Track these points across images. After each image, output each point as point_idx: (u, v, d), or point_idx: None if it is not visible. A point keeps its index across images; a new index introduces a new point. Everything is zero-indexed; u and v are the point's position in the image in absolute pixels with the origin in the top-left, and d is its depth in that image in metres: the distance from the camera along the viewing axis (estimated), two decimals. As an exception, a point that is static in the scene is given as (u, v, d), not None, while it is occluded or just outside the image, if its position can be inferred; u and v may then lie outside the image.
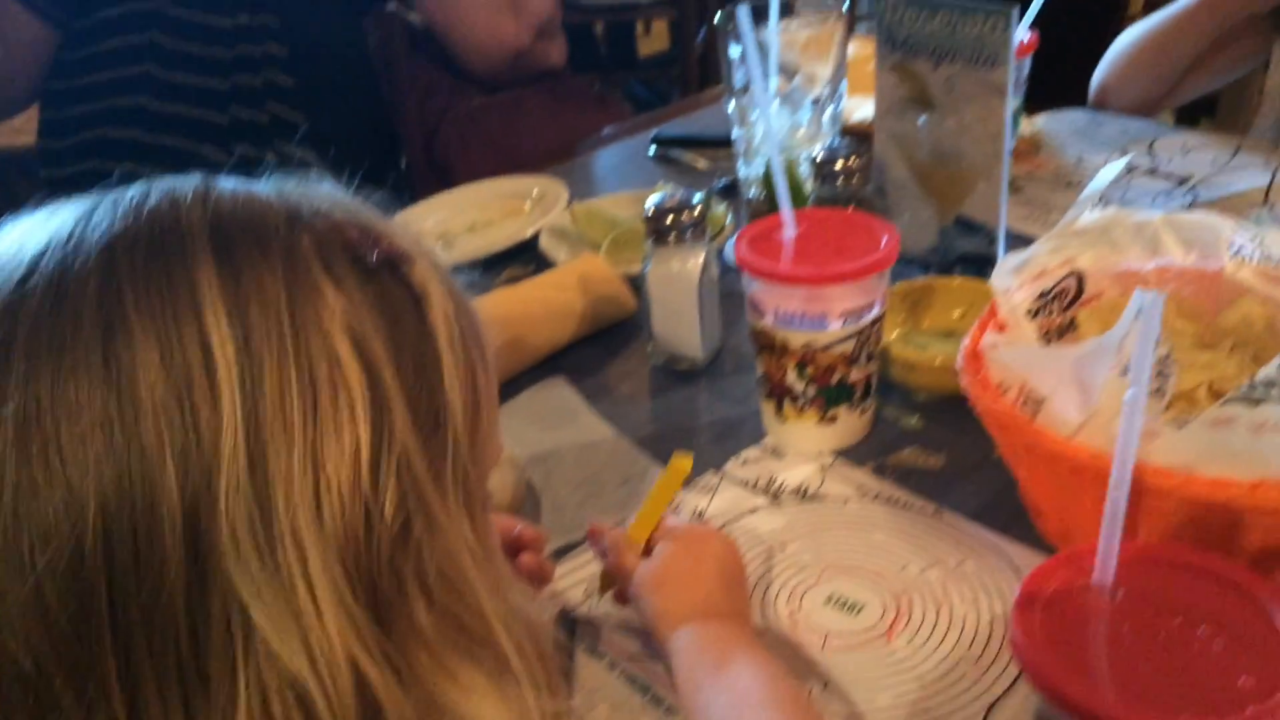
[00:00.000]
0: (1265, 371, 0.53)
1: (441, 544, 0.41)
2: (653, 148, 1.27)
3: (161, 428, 0.36)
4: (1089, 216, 0.74)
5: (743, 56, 0.98)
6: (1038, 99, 1.71)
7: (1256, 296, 0.70)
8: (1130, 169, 1.11)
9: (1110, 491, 0.46)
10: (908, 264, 0.96)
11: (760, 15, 1.00)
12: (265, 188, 0.44)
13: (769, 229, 0.75)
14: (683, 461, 0.60)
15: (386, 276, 0.42)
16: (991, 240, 0.89)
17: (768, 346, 0.74)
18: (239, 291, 0.39)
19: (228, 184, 0.43)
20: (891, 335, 0.84)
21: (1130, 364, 0.47)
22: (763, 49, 0.99)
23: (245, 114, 1.23)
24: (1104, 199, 1.06)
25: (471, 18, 1.31)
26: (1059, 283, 0.72)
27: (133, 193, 0.42)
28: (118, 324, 0.37)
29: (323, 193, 0.45)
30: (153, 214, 0.40)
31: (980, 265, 0.90)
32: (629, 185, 1.18)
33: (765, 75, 0.73)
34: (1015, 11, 0.80)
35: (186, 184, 0.42)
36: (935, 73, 0.87)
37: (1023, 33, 1.05)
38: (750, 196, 1.03)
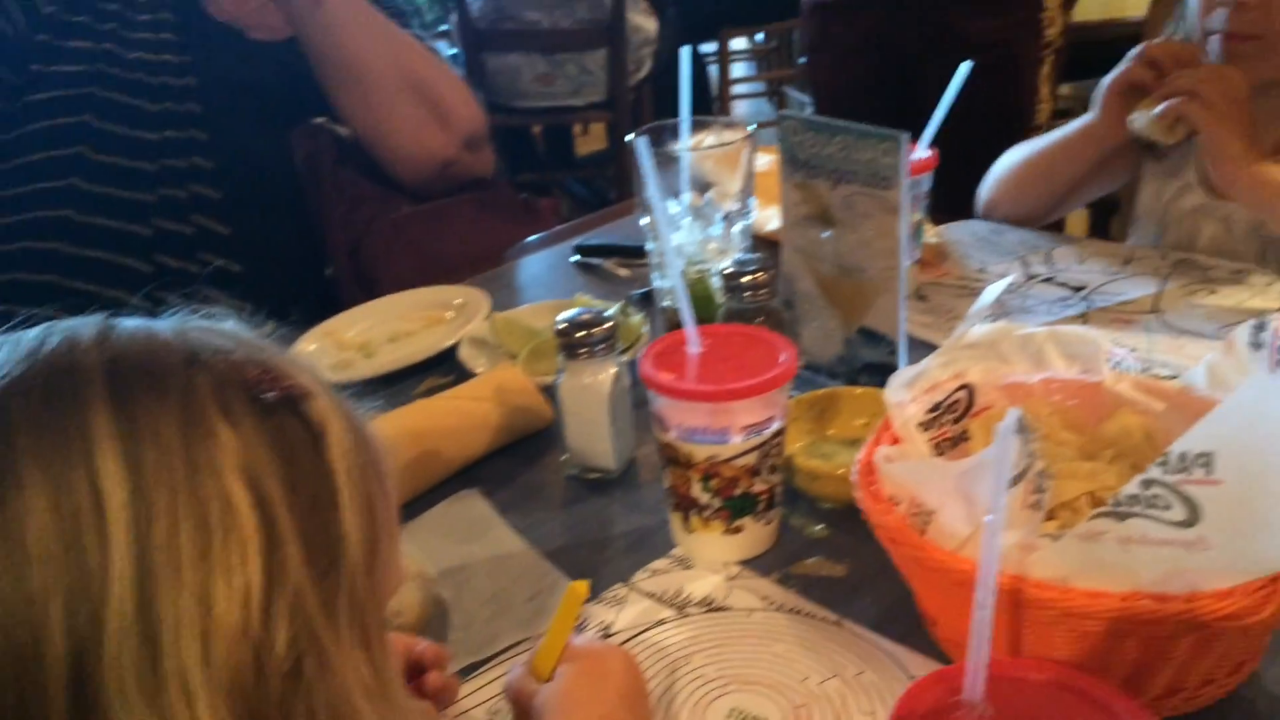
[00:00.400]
0: (1129, 488, 0.56)
1: (334, 682, 0.42)
2: (575, 256, 1.30)
3: (48, 574, 0.37)
4: (978, 330, 0.77)
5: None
6: (950, 207, 1.78)
7: (1134, 408, 0.73)
8: (1030, 277, 1.16)
9: (975, 610, 0.48)
10: (816, 372, 0.99)
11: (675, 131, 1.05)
12: (166, 326, 0.45)
13: (674, 345, 0.78)
14: (579, 588, 0.61)
15: (285, 414, 0.43)
16: (892, 350, 0.93)
17: (673, 460, 0.76)
18: (133, 434, 0.40)
19: (129, 324, 0.44)
20: (797, 445, 0.86)
21: (989, 490, 0.49)
22: (676, 163, 1.03)
23: (170, 226, 1.24)
24: (1004, 307, 1.11)
25: (399, 130, 1.34)
26: (950, 395, 0.75)
27: (33, 335, 0.43)
28: (9, 471, 0.38)
29: (225, 330, 0.46)
30: (50, 357, 0.42)
31: (884, 374, 0.92)
32: (552, 294, 1.21)
33: (664, 202, 0.76)
34: (905, 137, 0.84)
35: (86, 325, 0.43)
36: (834, 192, 0.91)
37: (921, 152, 1.10)
38: (665, 306, 1.06)
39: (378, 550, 0.45)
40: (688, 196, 1.03)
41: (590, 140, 4.26)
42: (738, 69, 4.96)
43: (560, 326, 0.86)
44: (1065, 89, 3.14)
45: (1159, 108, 1.10)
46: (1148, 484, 0.55)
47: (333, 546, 0.43)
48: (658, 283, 1.05)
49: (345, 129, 1.35)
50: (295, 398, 0.44)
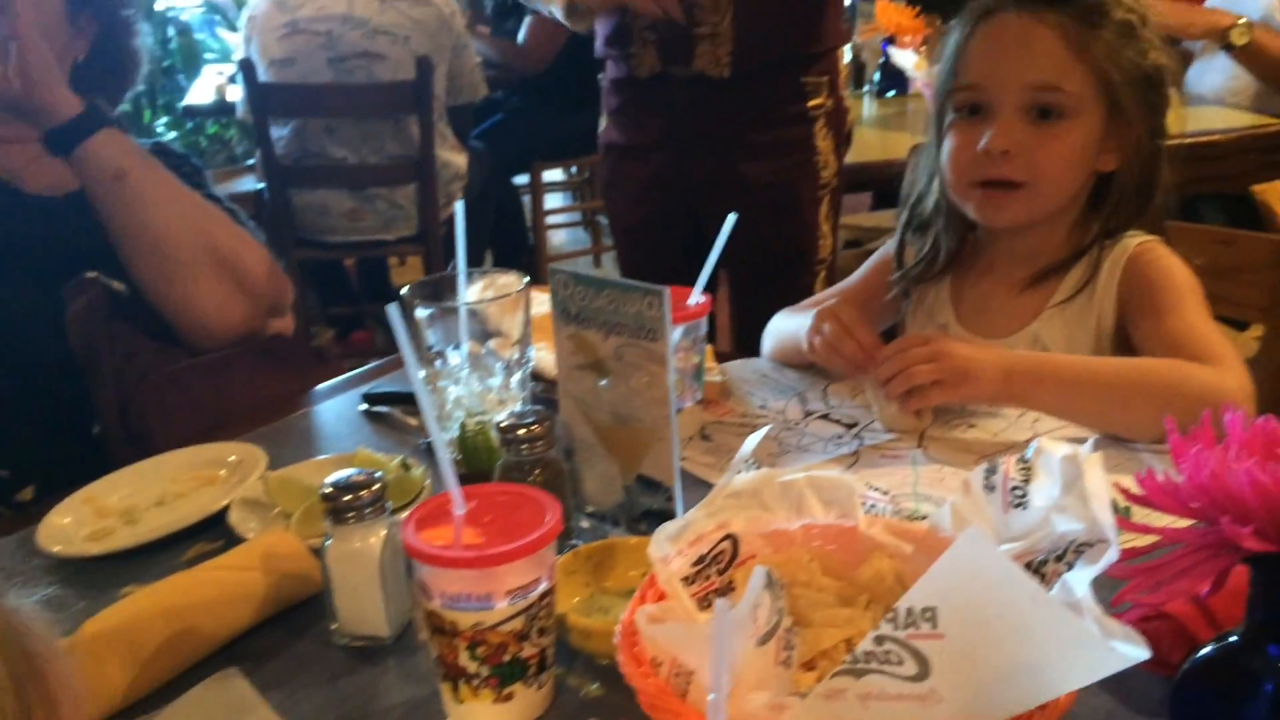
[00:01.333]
0: (864, 644, 0.57)
1: None
2: (363, 405, 1.28)
3: None
4: (742, 479, 0.79)
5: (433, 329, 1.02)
6: (743, 342, 1.85)
7: (886, 551, 0.76)
8: (807, 414, 1.20)
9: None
10: (601, 520, 0.99)
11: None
12: None
13: (438, 508, 0.76)
14: None
15: None
16: (670, 498, 0.94)
17: (439, 629, 0.74)
18: None
19: None
20: (574, 600, 0.85)
21: (710, 669, 0.49)
22: (454, 316, 1.03)
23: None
24: (784, 445, 1.14)
25: (201, 304, 1.31)
26: (715, 547, 0.76)
27: None
28: None
29: None
30: None
31: (663, 521, 0.94)
32: (339, 446, 1.17)
33: (418, 364, 0.76)
34: (666, 292, 0.87)
35: None
36: (606, 343, 0.93)
37: (696, 297, 1.14)
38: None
39: None
40: (467, 348, 1.03)
41: (408, 271, 4.25)
42: (554, 199, 5.07)
43: (326, 491, 0.83)
44: (861, 217, 3.34)
45: (894, 407, 1.13)
46: (880, 640, 0.57)
47: None
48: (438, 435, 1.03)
49: (120, 284, 1.30)
50: None
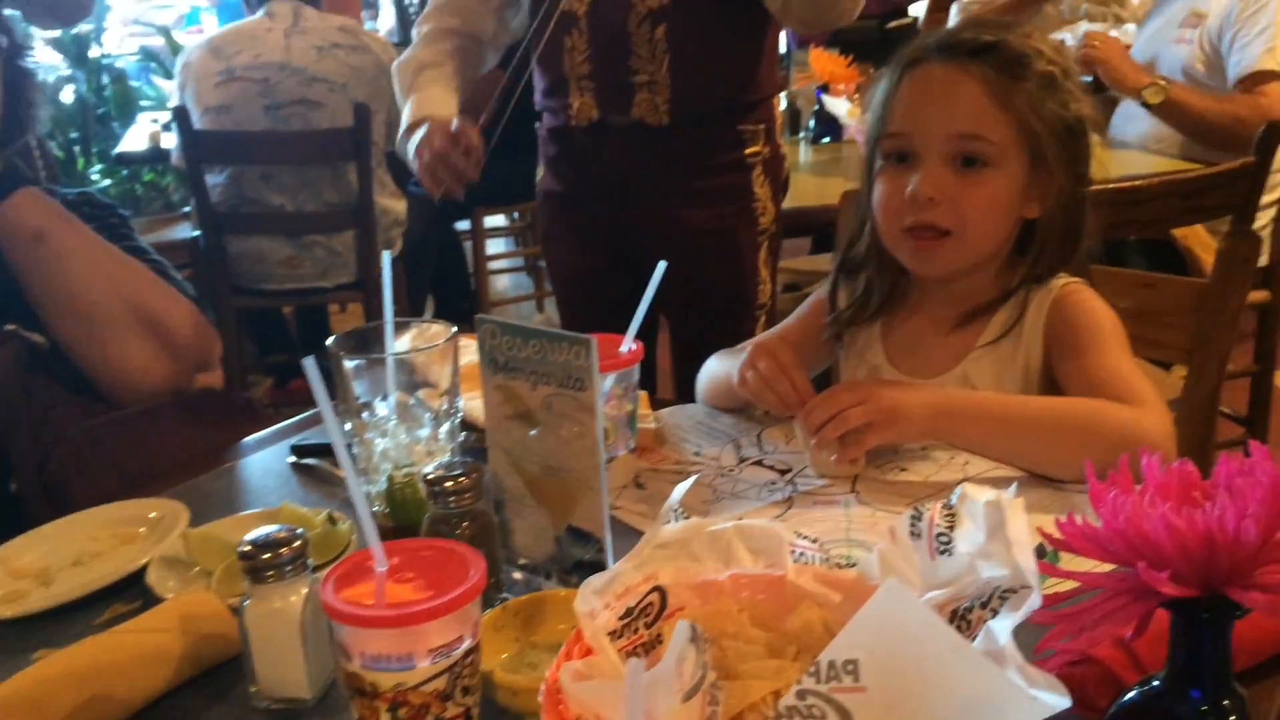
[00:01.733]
0: (787, 699, 0.56)
1: None
2: (291, 458, 1.26)
3: None
4: (670, 529, 0.78)
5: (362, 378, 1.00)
6: (683, 388, 1.84)
7: (815, 600, 0.75)
8: (741, 460, 1.20)
9: None
10: (534, 573, 0.98)
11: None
12: None
13: (358, 566, 0.74)
14: None
15: None
16: (601, 549, 0.93)
17: (359, 690, 0.72)
18: None
19: None
20: (503, 655, 0.84)
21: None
22: (381, 366, 1.02)
23: None
24: (718, 493, 1.14)
25: (126, 365, 1.29)
26: (643, 599, 0.75)
27: None
28: None
29: None
30: None
31: (595, 572, 0.93)
32: (265, 501, 1.15)
33: (335, 417, 0.74)
34: (593, 341, 0.86)
35: None
36: (534, 393, 0.92)
37: (628, 345, 1.14)
38: (376, 510, 1.03)
39: None
40: (394, 399, 1.01)
41: (349, 318, 4.21)
42: (497, 244, 5.06)
43: (244, 549, 0.81)
44: (799, 261, 3.38)
45: (825, 454, 1.13)
46: (803, 694, 0.56)
47: None
48: (366, 488, 1.01)
49: (40, 336, 1.27)
50: None
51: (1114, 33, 3.88)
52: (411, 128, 1.76)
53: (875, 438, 1.11)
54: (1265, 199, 2.49)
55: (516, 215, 4.86)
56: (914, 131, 1.21)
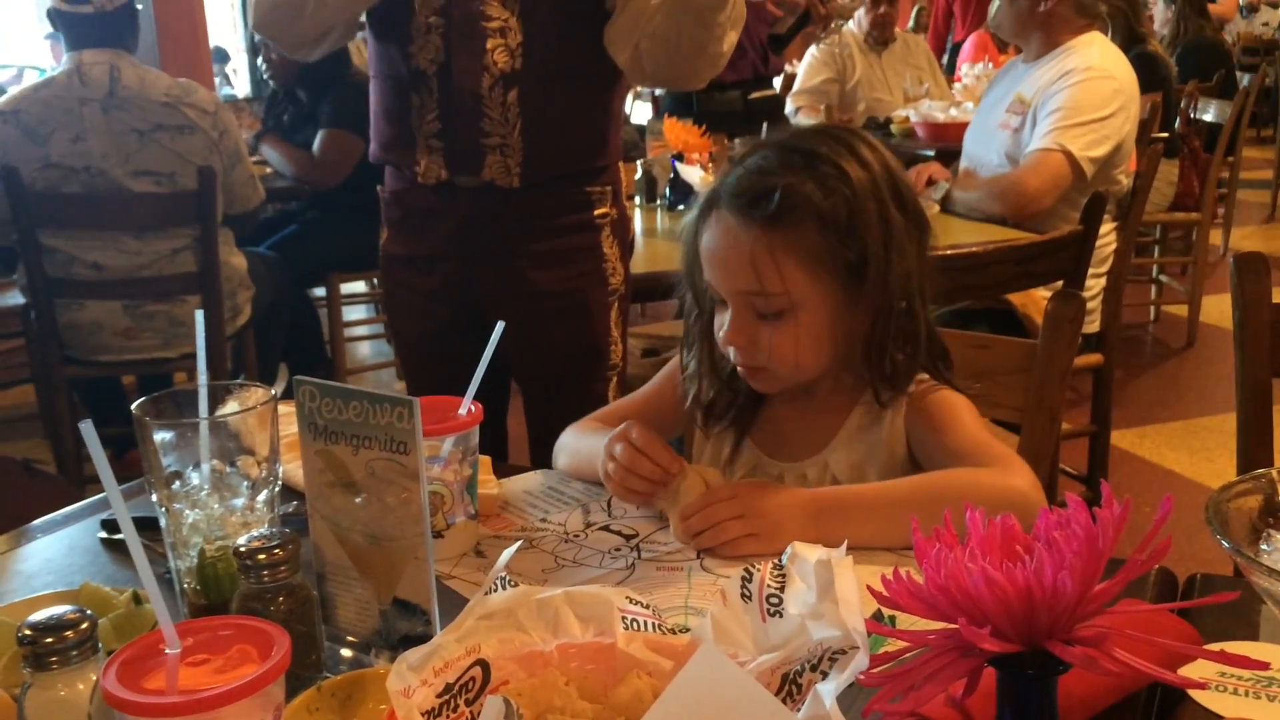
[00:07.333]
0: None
1: None
2: (102, 533, 1.17)
3: None
4: (496, 598, 0.74)
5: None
6: (538, 454, 1.79)
7: (645, 668, 0.72)
8: (589, 525, 1.17)
9: None
10: (365, 651, 0.92)
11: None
12: None
13: (148, 649, 0.68)
14: None
15: None
16: (428, 621, 0.88)
17: (144, 786, 0.65)
18: None
19: None
20: (315, 741, 0.78)
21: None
22: (194, 433, 0.95)
23: None
24: (560, 560, 1.10)
25: None
26: (464, 674, 0.71)
27: None
28: None
29: None
30: None
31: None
32: (68, 580, 1.06)
33: (119, 492, 0.69)
34: (416, 403, 0.83)
35: None
36: (356, 458, 0.87)
37: (466, 406, 1.10)
38: (186, 587, 0.96)
39: None
40: (207, 467, 0.95)
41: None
42: (356, 311, 4.95)
43: (23, 634, 0.73)
44: (659, 326, 3.39)
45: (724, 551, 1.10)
46: (618, 771, 0.52)
47: None
48: (175, 564, 0.94)
49: None
50: None
51: (954, 111, 4.08)
52: None
53: (756, 548, 1.07)
54: (1097, 270, 2.61)
55: (376, 282, 4.76)
56: (713, 283, 1.19)
